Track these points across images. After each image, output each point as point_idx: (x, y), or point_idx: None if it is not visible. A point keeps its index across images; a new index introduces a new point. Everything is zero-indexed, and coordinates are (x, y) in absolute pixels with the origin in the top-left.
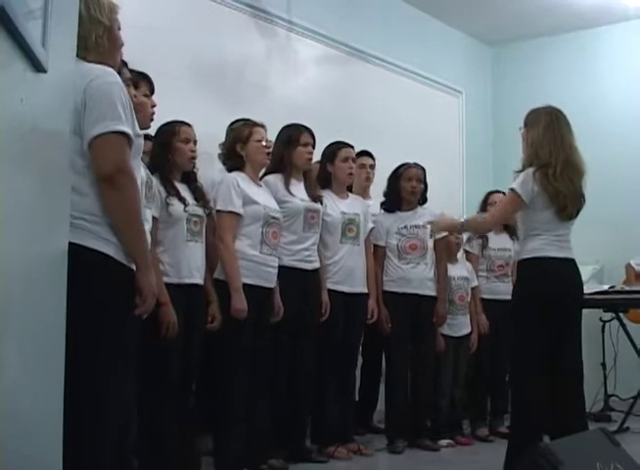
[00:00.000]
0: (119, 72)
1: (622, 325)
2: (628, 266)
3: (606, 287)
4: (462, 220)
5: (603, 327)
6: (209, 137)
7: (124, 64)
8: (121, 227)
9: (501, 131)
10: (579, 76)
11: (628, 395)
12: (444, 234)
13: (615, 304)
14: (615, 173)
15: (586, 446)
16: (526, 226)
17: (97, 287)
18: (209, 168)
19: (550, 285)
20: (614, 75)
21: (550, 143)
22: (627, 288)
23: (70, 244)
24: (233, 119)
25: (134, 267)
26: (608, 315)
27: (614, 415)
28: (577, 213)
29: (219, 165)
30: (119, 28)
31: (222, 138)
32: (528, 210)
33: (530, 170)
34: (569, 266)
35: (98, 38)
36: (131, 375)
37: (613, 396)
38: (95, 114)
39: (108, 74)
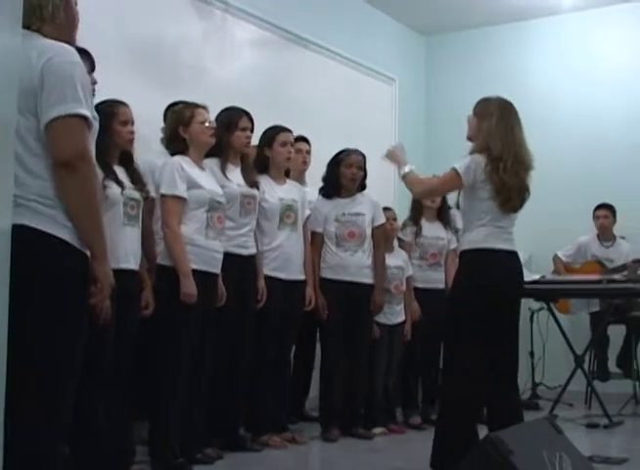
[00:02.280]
0: None
1: (553, 315)
2: (556, 257)
3: (537, 277)
4: (408, 168)
5: (531, 317)
6: (145, 119)
7: None
8: (79, 214)
9: (433, 119)
10: (513, 68)
11: (555, 383)
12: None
13: (546, 294)
14: (544, 165)
15: (533, 434)
16: (470, 217)
17: (51, 272)
18: (145, 151)
19: (494, 277)
20: (547, 67)
21: (502, 137)
22: (558, 278)
23: (23, 227)
24: (169, 102)
25: (88, 253)
26: (537, 305)
27: (541, 403)
28: (522, 206)
29: (156, 148)
30: (76, 4)
31: (158, 120)
32: (473, 199)
33: (480, 159)
34: (512, 259)
35: (55, 9)
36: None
37: (540, 384)
38: (54, 95)
39: (69, 53)
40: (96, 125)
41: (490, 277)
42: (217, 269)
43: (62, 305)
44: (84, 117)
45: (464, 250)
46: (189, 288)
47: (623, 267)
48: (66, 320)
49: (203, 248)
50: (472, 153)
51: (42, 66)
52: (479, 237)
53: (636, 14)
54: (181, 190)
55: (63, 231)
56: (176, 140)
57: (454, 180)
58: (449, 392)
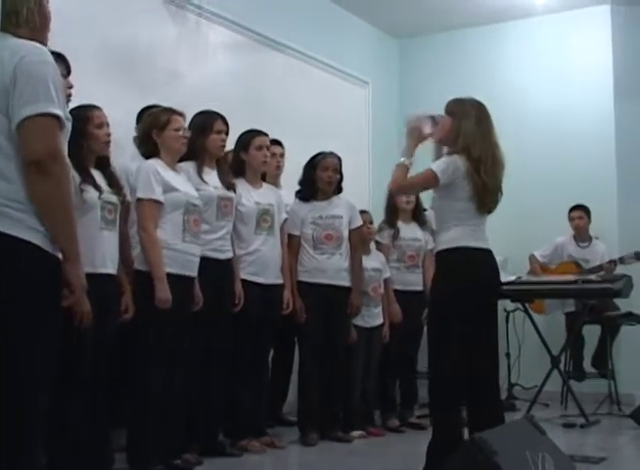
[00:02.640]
0: None
1: (529, 315)
2: (532, 257)
3: (513, 277)
4: (402, 160)
5: (507, 317)
6: (119, 123)
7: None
8: (51, 216)
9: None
10: (485, 70)
11: (531, 384)
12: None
13: (522, 294)
14: (518, 166)
15: (515, 435)
16: (444, 216)
17: (23, 278)
18: (119, 155)
19: (472, 276)
20: (520, 70)
21: (481, 138)
22: (534, 279)
23: None
24: (143, 105)
25: (60, 256)
26: (512, 306)
27: (517, 404)
28: (496, 207)
29: (130, 151)
30: (48, 2)
31: (132, 124)
32: (450, 199)
33: (459, 160)
34: (487, 257)
35: (29, 13)
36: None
37: (516, 385)
38: (27, 94)
39: (41, 53)
40: (69, 126)
41: (468, 276)
42: (194, 273)
43: (34, 311)
44: (57, 117)
45: (440, 250)
46: (164, 293)
47: (600, 268)
48: (38, 327)
49: (179, 251)
50: (450, 154)
51: (15, 65)
52: (455, 236)
53: (606, 16)
54: (157, 193)
55: (34, 236)
56: (148, 142)
57: (430, 180)
58: (434, 393)
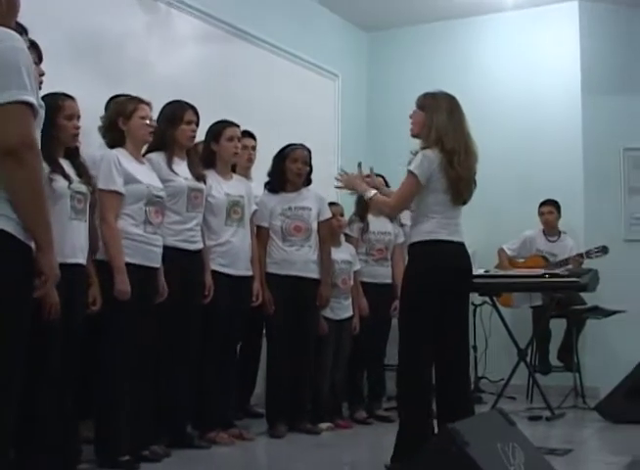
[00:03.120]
0: None
1: (496, 309)
2: (501, 251)
3: (481, 271)
4: (371, 194)
5: (475, 311)
6: (87, 113)
7: (24, 30)
8: (24, 205)
9: (375, 115)
10: (455, 64)
11: (497, 377)
12: (345, 191)
13: (489, 288)
14: (486, 159)
15: (487, 426)
16: (420, 209)
17: None
18: (86, 145)
19: (446, 269)
20: (489, 64)
21: (453, 130)
22: (502, 272)
23: None
24: (111, 95)
25: (33, 245)
26: (479, 299)
27: (484, 397)
28: (470, 198)
29: (97, 141)
30: None
31: (100, 114)
32: (424, 191)
33: (431, 153)
34: (461, 250)
35: None
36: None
37: (483, 378)
38: None
39: (13, 39)
40: (42, 114)
41: (442, 269)
42: (156, 264)
43: (4, 300)
44: (30, 105)
45: (414, 242)
46: (122, 284)
47: (566, 262)
48: (8, 316)
49: (140, 242)
50: (423, 148)
51: None
52: (429, 229)
53: (574, 12)
54: (118, 185)
55: (6, 223)
56: (114, 131)
57: (414, 184)
58: (404, 385)
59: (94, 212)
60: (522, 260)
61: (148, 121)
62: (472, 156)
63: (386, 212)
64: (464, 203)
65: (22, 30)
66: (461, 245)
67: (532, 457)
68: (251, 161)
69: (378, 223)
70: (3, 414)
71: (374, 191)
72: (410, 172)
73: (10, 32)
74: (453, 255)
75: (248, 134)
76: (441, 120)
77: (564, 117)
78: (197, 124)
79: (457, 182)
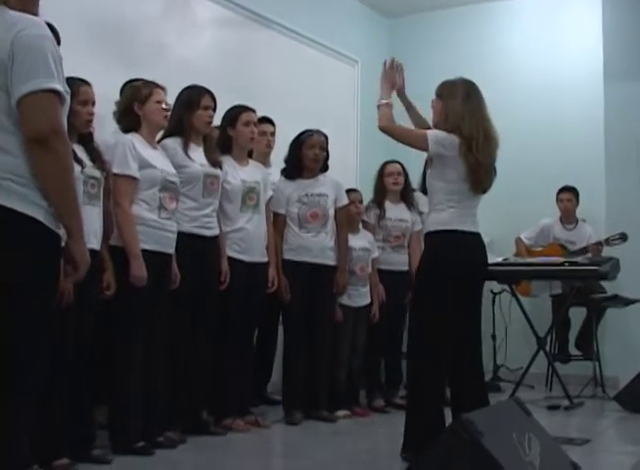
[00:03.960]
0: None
1: (515, 297)
2: (518, 240)
3: (499, 259)
4: (384, 101)
5: (493, 299)
6: (102, 98)
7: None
8: (54, 192)
9: (395, 100)
10: (476, 50)
11: (516, 366)
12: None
13: (508, 276)
14: (505, 146)
15: (502, 416)
16: (438, 197)
17: (23, 253)
18: (101, 130)
19: (461, 259)
20: (510, 50)
21: (470, 116)
22: (521, 260)
23: None
24: (127, 79)
25: (61, 233)
26: (498, 287)
27: (502, 385)
28: (490, 186)
29: (112, 127)
30: None
31: (116, 99)
32: (442, 180)
33: (455, 138)
34: (477, 241)
35: None
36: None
37: (502, 366)
38: (26, 69)
39: (38, 26)
40: (68, 100)
41: (457, 259)
42: (170, 250)
43: (32, 287)
44: (57, 92)
45: (430, 231)
46: (138, 270)
47: (585, 250)
48: (36, 303)
49: (155, 228)
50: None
51: (12, 39)
52: (446, 218)
53: None
54: (133, 169)
55: (36, 210)
56: (129, 115)
57: (419, 139)
58: (414, 375)
59: (108, 198)
60: (539, 249)
61: (163, 106)
62: (491, 141)
63: (379, 124)
64: (484, 191)
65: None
66: (477, 235)
67: (548, 447)
68: (269, 146)
69: (395, 210)
70: (28, 402)
71: (387, 100)
72: (425, 132)
73: (34, 19)
74: (470, 246)
75: (266, 120)
76: (457, 106)
77: (585, 102)
78: (214, 110)
79: (477, 169)
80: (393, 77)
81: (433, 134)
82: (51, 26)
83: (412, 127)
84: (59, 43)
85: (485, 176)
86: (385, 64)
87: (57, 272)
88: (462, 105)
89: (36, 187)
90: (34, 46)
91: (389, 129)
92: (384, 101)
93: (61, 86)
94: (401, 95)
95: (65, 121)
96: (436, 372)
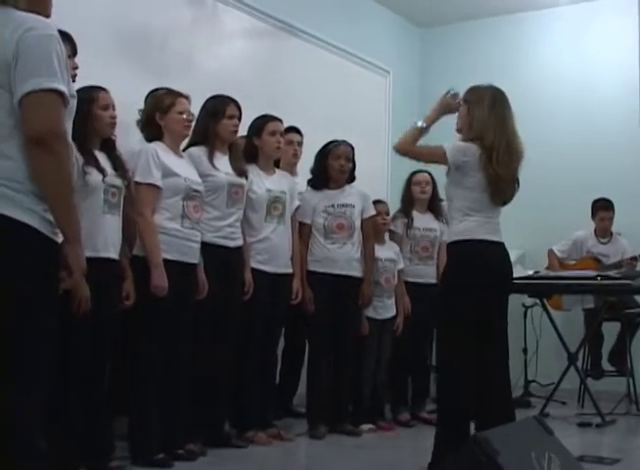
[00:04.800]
0: None
1: (546, 311)
2: (551, 252)
3: (530, 272)
4: (421, 124)
5: (525, 313)
6: (129, 106)
7: None
8: (51, 196)
9: (428, 112)
10: (508, 60)
11: (548, 381)
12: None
13: (539, 289)
14: (539, 157)
15: (521, 434)
16: (458, 206)
17: (17, 261)
18: (127, 139)
19: (484, 270)
20: (543, 59)
21: (494, 125)
22: (552, 274)
23: None
24: (154, 88)
25: (59, 240)
26: (530, 301)
27: (533, 401)
28: (512, 199)
29: (138, 136)
30: None
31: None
32: (460, 187)
33: (474, 147)
34: (500, 250)
35: None
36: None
37: (533, 381)
38: (29, 68)
39: (45, 26)
40: (73, 103)
41: (480, 270)
42: (194, 259)
43: (26, 295)
44: (60, 93)
45: (452, 241)
46: (159, 280)
47: (619, 264)
48: (32, 311)
49: (177, 237)
50: (465, 141)
51: (17, 39)
52: (467, 228)
53: (633, 5)
54: (156, 178)
55: (30, 217)
56: (151, 125)
57: (437, 154)
58: (442, 392)
59: (130, 206)
60: (572, 262)
61: (185, 116)
62: (514, 154)
63: (395, 143)
64: (504, 203)
65: None
66: (500, 245)
67: (570, 467)
68: (296, 156)
69: (423, 220)
70: (30, 410)
71: (424, 123)
72: (442, 146)
73: (41, 19)
74: (492, 255)
75: (293, 130)
76: (481, 114)
77: (621, 112)
78: (239, 119)
79: (496, 180)
80: (449, 108)
81: (450, 146)
82: (68, 36)
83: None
84: (75, 53)
85: (508, 188)
86: (448, 93)
87: (53, 281)
88: (487, 113)
89: (31, 192)
90: (39, 45)
91: (404, 150)
92: (419, 124)
93: (64, 87)
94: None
95: (68, 125)
96: (466, 388)
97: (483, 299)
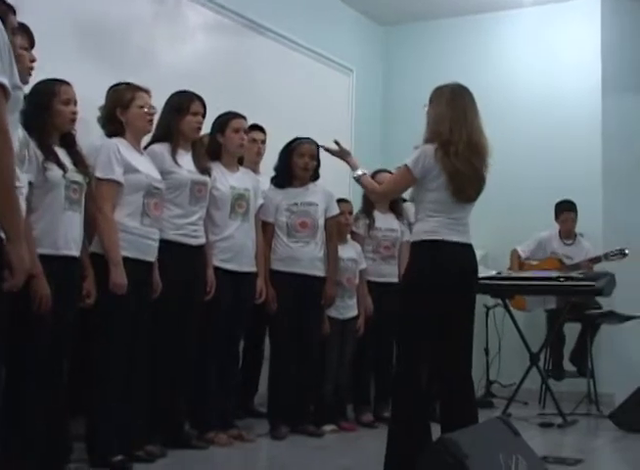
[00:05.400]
0: (4, 19)
1: (509, 311)
2: (514, 252)
3: (493, 272)
4: (360, 172)
5: (487, 313)
6: (89, 101)
7: (11, 9)
8: None
9: (390, 111)
10: (472, 60)
11: (509, 381)
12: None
13: (503, 290)
14: (502, 157)
15: (488, 436)
16: (422, 206)
17: None
18: (87, 134)
19: (446, 271)
20: (507, 61)
21: (451, 120)
22: (515, 274)
23: None
24: (115, 83)
25: (3, 236)
26: (492, 302)
27: (495, 401)
28: (477, 196)
29: (98, 132)
30: None
31: (102, 103)
32: (424, 189)
33: (429, 147)
34: (465, 251)
35: None
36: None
37: (495, 382)
38: None
39: None
40: (18, 95)
41: (442, 270)
42: (152, 258)
43: None
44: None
45: (415, 241)
46: (119, 277)
47: (577, 266)
48: None
49: (137, 235)
50: (424, 143)
51: None
52: (431, 228)
53: (596, 8)
54: (117, 174)
55: None
56: (113, 122)
57: (407, 177)
58: (400, 391)
59: (91, 203)
60: (535, 263)
61: (146, 109)
62: (475, 149)
63: (371, 197)
64: (468, 200)
65: (7, 10)
66: (465, 245)
67: (536, 469)
68: (259, 154)
69: (384, 220)
70: None
71: (364, 170)
72: (405, 165)
73: None
74: (456, 255)
75: (257, 128)
76: (439, 111)
77: (583, 114)
78: (203, 116)
79: (456, 176)
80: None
81: (411, 162)
82: (25, 27)
83: None
84: (33, 46)
85: (468, 184)
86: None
87: None
88: (445, 108)
89: None
90: None
91: (381, 197)
92: (359, 172)
93: (5, 78)
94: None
95: (9, 117)
96: (423, 387)
97: (442, 299)
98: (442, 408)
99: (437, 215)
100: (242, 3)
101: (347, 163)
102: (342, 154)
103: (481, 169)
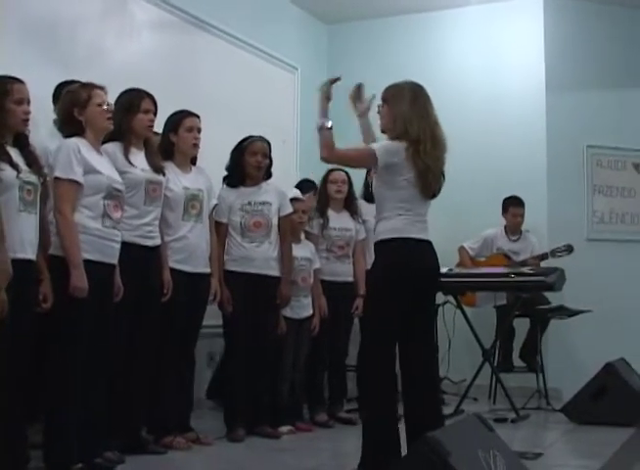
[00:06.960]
0: None
1: (461, 308)
2: (462, 249)
3: (445, 270)
4: (325, 124)
5: (436, 310)
6: (36, 98)
7: None
8: None
9: (335, 109)
10: (417, 59)
11: (459, 378)
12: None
13: (454, 287)
14: (451, 154)
15: (467, 433)
16: (387, 206)
17: None
18: (35, 133)
19: (415, 268)
20: (451, 60)
21: (418, 119)
22: (466, 271)
23: None
24: (62, 81)
25: None
26: (441, 299)
27: (446, 398)
28: (439, 190)
29: (45, 130)
30: None
31: (49, 100)
32: (391, 186)
33: (400, 144)
34: (428, 248)
35: None
36: None
37: (445, 378)
38: None
39: None
40: None
41: (411, 268)
42: (114, 260)
43: None
44: None
45: (382, 239)
46: (79, 280)
47: (525, 262)
48: None
49: (98, 237)
50: (392, 140)
51: None
52: (396, 226)
53: (538, 6)
54: (77, 174)
55: None
56: (71, 123)
57: (367, 157)
58: (365, 388)
59: (45, 204)
60: (483, 259)
61: (105, 107)
62: (439, 145)
63: (323, 153)
64: (433, 196)
65: None
66: (429, 243)
67: (513, 464)
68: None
69: (338, 219)
70: None
71: (329, 123)
72: (370, 146)
73: None
74: (422, 253)
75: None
76: (403, 109)
77: (528, 112)
78: (155, 114)
79: (425, 173)
80: (330, 93)
81: (380, 147)
82: None
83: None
84: None
85: (434, 180)
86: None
87: None
88: (409, 107)
89: None
90: None
91: (334, 159)
92: (328, 124)
93: None
94: (363, 118)
95: None
96: (389, 385)
97: (412, 297)
98: (407, 408)
99: (406, 213)
100: (187, 0)
101: (322, 107)
102: (327, 97)
103: (443, 165)
